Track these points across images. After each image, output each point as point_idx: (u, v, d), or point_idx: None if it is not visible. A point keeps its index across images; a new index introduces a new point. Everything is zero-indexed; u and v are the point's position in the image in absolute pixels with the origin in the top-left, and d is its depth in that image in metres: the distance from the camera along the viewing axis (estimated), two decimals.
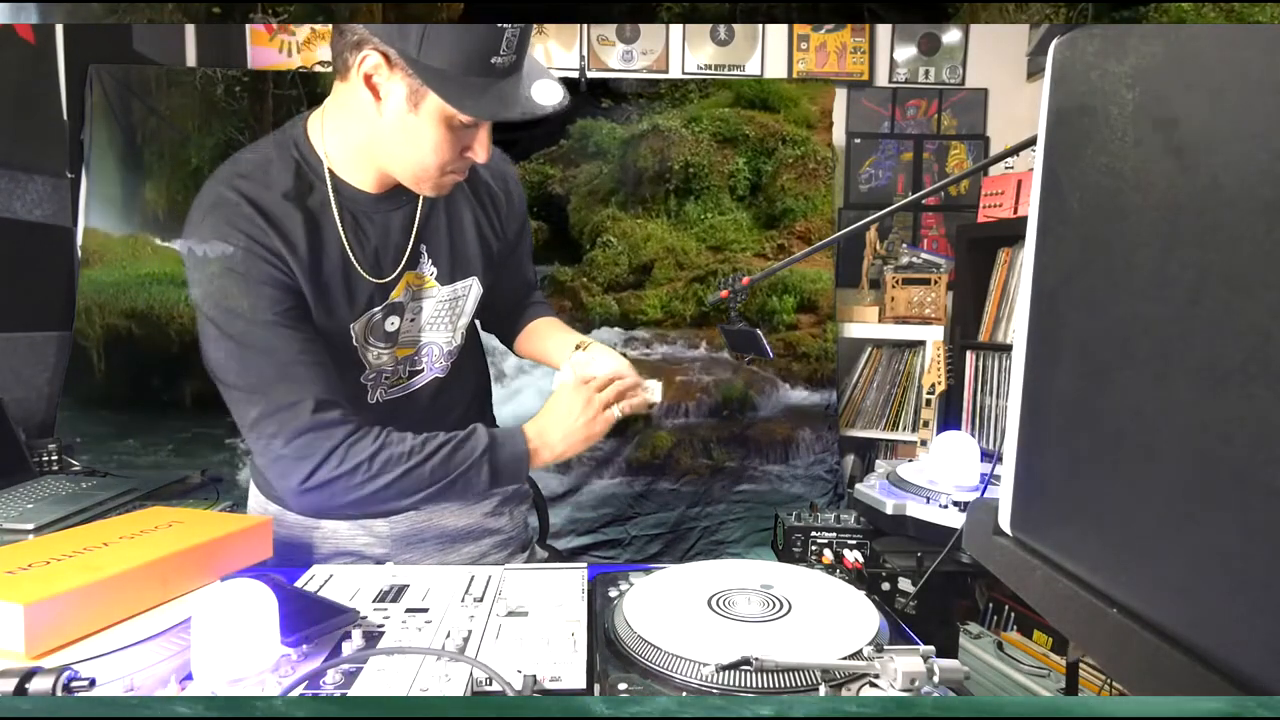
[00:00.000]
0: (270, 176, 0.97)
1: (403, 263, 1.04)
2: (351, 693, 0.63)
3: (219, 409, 0.97)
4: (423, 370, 1.12)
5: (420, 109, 0.89)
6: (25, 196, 2.20)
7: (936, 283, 2.61)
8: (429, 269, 1.08)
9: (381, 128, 0.93)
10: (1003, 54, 2.92)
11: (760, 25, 2.85)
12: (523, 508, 1.30)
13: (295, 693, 0.63)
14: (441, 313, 1.11)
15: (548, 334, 1.26)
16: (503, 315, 1.31)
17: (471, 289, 1.12)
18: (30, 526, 1.41)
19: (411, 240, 1.05)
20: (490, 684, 0.65)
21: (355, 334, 1.03)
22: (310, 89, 2.60)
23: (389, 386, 1.10)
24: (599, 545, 2.53)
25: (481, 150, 0.96)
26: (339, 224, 0.99)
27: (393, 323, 1.06)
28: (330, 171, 0.99)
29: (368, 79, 0.89)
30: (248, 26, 2.77)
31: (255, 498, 1.18)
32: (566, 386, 1.07)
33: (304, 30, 2.79)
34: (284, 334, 0.94)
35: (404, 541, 1.15)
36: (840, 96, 2.88)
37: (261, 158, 0.99)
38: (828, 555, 1.04)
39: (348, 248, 0.99)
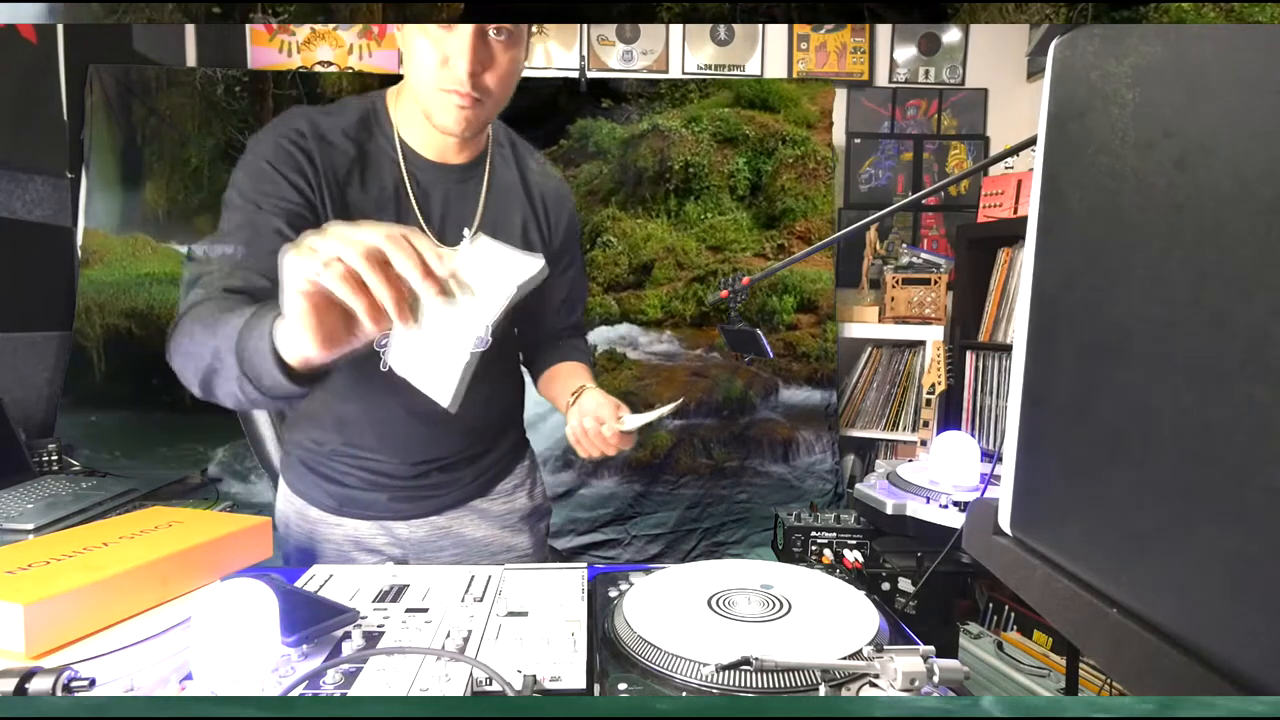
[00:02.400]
0: (341, 113, 1.03)
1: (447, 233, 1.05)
2: (351, 693, 0.63)
3: (219, 408, 0.96)
4: None
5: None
6: (25, 196, 2.20)
7: (936, 283, 2.61)
8: None
9: (406, 63, 0.97)
10: (1003, 54, 2.92)
11: (760, 25, 2.85)
12: (543, 525, 1.29)
13: (295, 693, 0.63)
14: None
15: (567, 378, 1.20)
16: (534, 345, 1.28)
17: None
18: (30, 526, 1.41)
19: (469, 213, 1.07)
20: (490, 684, 0.65)
21: None
22: (310, 89, 2.60)
23: None
24: (599, 545, 2.53)
25: (461, 61, 0.91)
26: (401, 165, 1.03)
27: None
28: (397, 132, 1.04)
29: None
30: (248, 26, 2.77)
31: (284, 497, 1.18)
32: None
33: (304, 30, 2.79)
34: (264, 219, 0.93)
35: (421, 547, 1.16)
36: (840, 96, 2.88)
37: (341, 103, 1.06)
38: (828, 555, 1.04)
39: (408, 187, 1.03)
